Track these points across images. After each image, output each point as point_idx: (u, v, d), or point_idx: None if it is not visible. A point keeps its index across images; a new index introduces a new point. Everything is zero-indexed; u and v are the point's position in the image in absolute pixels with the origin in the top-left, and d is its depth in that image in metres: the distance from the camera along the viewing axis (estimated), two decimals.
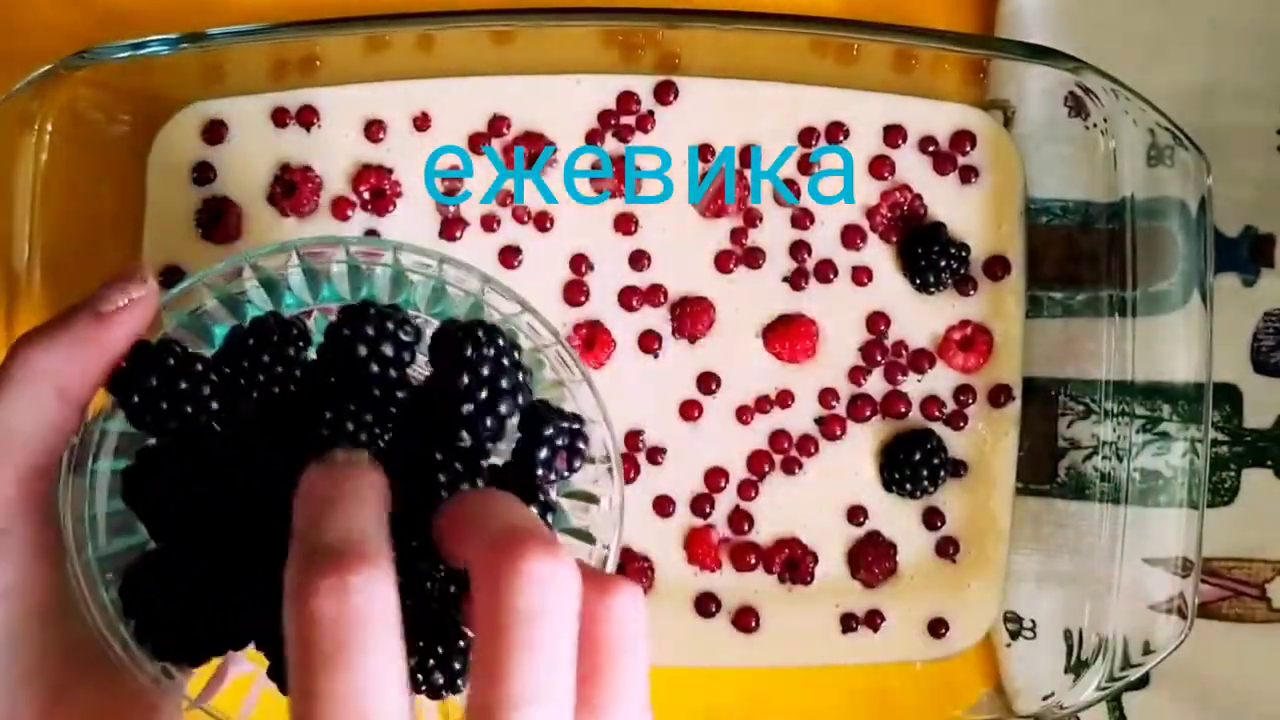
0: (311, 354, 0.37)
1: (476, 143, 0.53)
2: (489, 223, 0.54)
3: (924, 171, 0.54)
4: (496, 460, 0.37)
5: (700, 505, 0.54)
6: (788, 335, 0.53)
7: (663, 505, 0.54)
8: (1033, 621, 0.54)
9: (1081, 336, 0.53)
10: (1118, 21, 0.53)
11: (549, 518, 0.36)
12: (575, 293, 0.53)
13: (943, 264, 0.53)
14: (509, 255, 0.53)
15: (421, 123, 0.53)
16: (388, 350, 0.35)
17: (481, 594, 0.27)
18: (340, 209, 0.53)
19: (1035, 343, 0.54)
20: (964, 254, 0.53)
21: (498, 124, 0.53)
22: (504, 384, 0.35)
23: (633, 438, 0.54)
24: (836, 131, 0.53)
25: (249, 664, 0.38)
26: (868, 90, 0.53)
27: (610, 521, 0.39)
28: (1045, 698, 0.53)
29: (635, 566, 0.53)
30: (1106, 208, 0.52)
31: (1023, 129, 0.53)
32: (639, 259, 0.53)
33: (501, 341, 0.35)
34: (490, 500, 0.31)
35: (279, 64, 0.53)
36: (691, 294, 0.53)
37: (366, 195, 0.53)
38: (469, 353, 0.34)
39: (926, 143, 0.53)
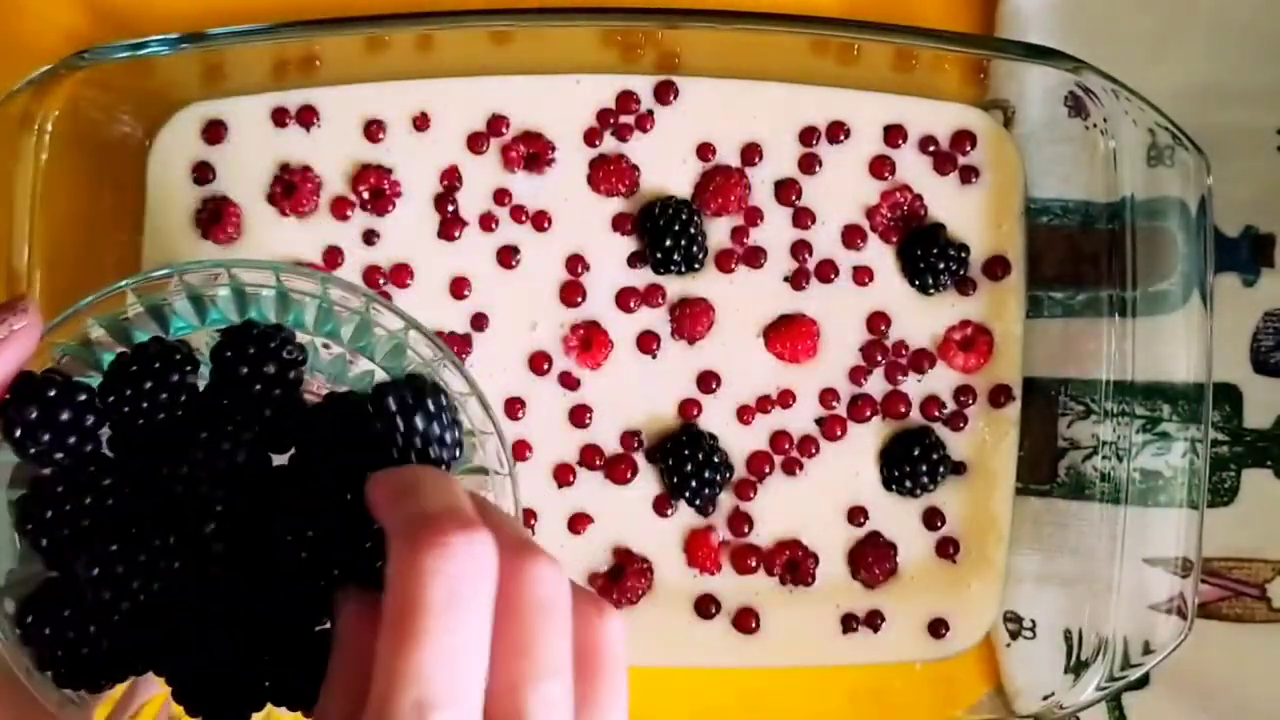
0: (203, 376, 0.37)
1: (476, 142, 0.53)
2: (487, 222, 0.54)
3: (924, 171, 0.54)
4: None
5: (701, 506, 0.54)
6: (789, 335, 0.53)
7: (662, 505, 0.54)
8: (1033, 621, 0.54)
9: (1081, 336, 0.53)
10: (1118, 21, 0.53)
11: None
12: (572, 293, 0.53)
13: (943, 264, 0.53)
14: (507, 255, 0.53)
15: (421, 122, 0.53)
16: (270, 369, 0.36)
17: (399, 564, 0.29)
18: (340, 209, 0.53)
19: (1035, 343, 0.54)
20: (964, 254, 0.53)
21: (497, 123, 0.53)
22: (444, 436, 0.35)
23: (629, 438, 0.54)
24: (837, 131, 0.53)
25: (158, 686, 0.38)
26: (868, 90, 0.53)
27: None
28: (1045, 698, 0.53)
29: (635, 568, 0.53)
30: (1106, 208, 0.52)
31: (1023, 129, 0.53)
32: (635, 260, 0.54)
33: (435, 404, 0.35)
34: (423, 476, 0.32)
35: (279, 64, 0.53)
36: (691, 294, 0.53)
37: (366, 195, 0.53)
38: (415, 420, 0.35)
39: (927, 142, 0.53)
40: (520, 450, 0.54)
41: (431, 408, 0.35)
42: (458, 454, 0.36)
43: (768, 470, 0.53)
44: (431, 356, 0.41)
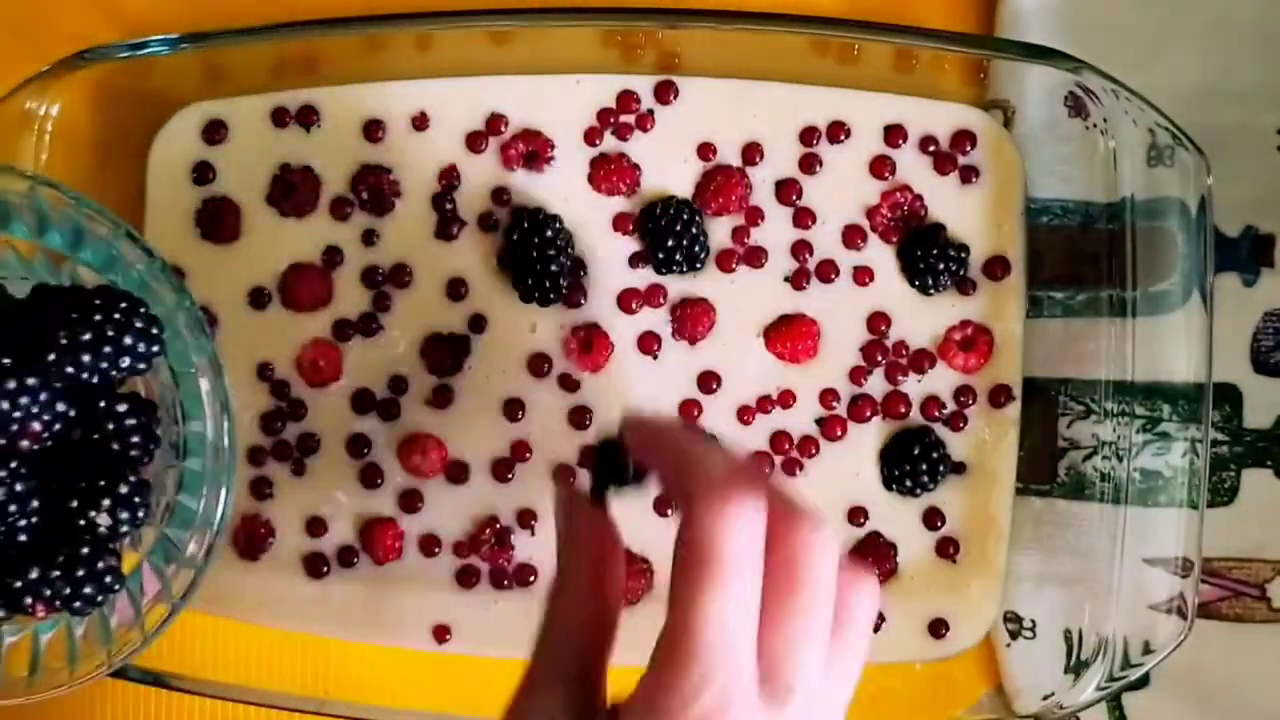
0: None
1: (475, 141, 0.53)
2: (487, 221, 0.54)
3: (924, 171, 0.53)
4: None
5: None
6: (789, 335, 0.53)
7: (661, 505, 0.54)
8: (1033, 621, 0.54)
9: (1081, 336, 0.53)
10: (1118, 21, 0.53)
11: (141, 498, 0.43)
12: (573, 294, 0.53)
13: (943, 264, 0.53)
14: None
15: (420, 122, 0.53)
16: None
17: (700, 519, 0.34)
18: (339, 209, 0.54)
19: (1035, 343, 0.54)
20: (964, 254, 0.53)
21: (495, 122, 0.53)
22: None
23: None
24: (838, 131, 0.53)
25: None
26: (868, 90, 0.53)
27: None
28: (1045, 698, 0.53)
29: (635, 568, 0.53)
30: (1106, 208, 0.52)
31: (1023, 129, 0.53)
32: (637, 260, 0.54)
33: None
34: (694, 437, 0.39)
35: (279, 64, 0.53)
36: (692, 294, 0.53)
37: (365, 195, 0.53)
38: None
39: (927, 142, 0.53)
40: (520, 451, 0.54)
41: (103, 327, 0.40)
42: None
43: (768, 470, 0.53)
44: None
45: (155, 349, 0.42)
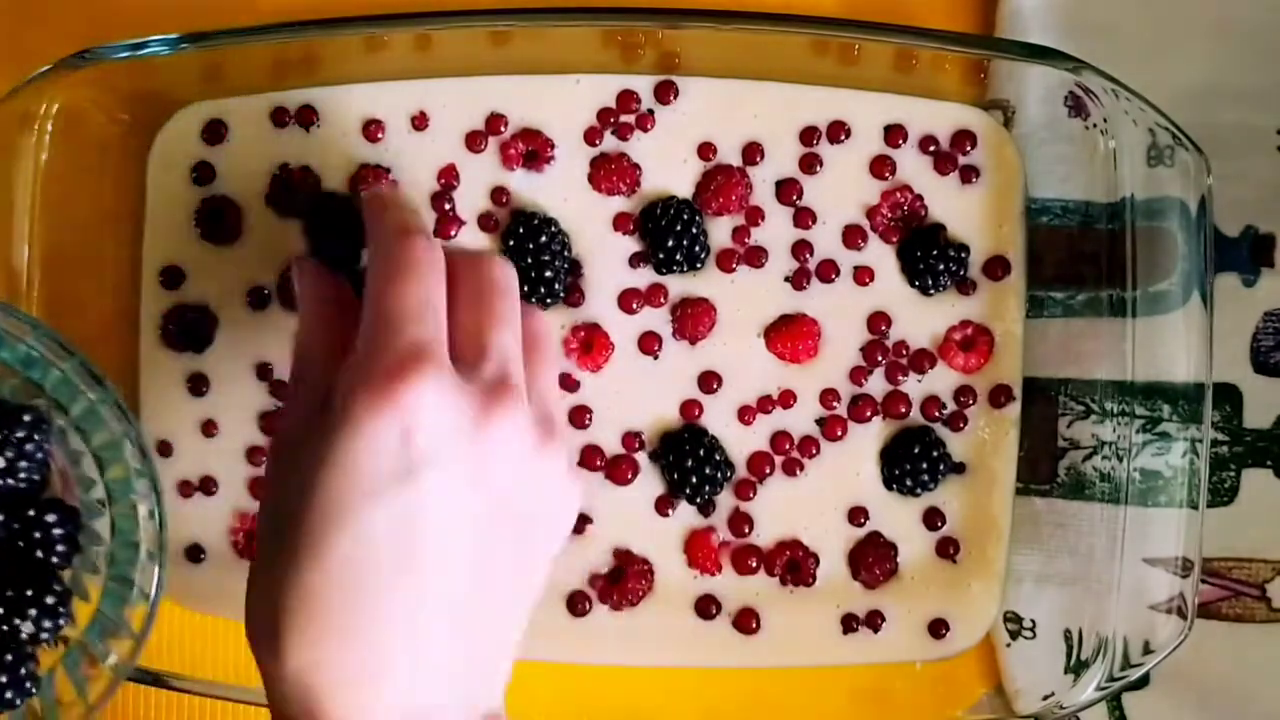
0: None
1: (474, 141, 0.53)
2: (486, 221, 0.54)
3: (925, 171, 0.53)
4: None
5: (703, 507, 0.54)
6: (790, 335, 0.53)
7: (663, 506, 0.54)
8: (1033, 621, 0.54)
9: (1081, 336, 0.53)
10: (1118, 21, 0.53)
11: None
12: (571, 295, 0.53)
13: (943, 265, 0.53)
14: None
15: (420, 122, 0.53)
16: None
17: (388, 238, 0.42)
18: None
19: (1035, 343, 0.54)
20: (964, 254, 0.53)
21: (495, 122, 0.53)
22: None
23: (630, 438, 0.54)
24: (838, 130, 0.53)
25: None
26: (868, 90, 0.53)
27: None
28: (1045, 698, 0.53)
29: (636, 569, 0.53)
30: (1106, 208, 0.52)
31: (1023, 129, 0.53)
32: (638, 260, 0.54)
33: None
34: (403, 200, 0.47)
35: (278, 64, 0.53)
36: (692, 294, 0.53)
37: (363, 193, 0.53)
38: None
39: (927, 142, 0.53)
40: None
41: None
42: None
43: (768, 471, 0.53)
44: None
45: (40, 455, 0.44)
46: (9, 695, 0.43)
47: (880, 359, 0.53)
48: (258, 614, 0.37)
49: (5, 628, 0.43)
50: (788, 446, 0.54)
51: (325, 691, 0.36)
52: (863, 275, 0.53)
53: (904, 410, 0.54)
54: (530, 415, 0.40)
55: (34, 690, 0.44)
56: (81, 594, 0.45)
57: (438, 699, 0.38)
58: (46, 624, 0.44)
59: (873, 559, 0.53)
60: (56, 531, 0.44)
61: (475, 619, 0.39)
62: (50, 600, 0.44)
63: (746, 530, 0.54)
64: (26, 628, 0.43)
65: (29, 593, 0.43)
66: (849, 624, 0.54)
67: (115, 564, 0.45)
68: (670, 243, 0.52)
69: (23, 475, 0.43)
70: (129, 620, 0.45)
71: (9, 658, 0.43)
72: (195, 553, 0.54)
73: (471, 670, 0.39)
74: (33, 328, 0.45)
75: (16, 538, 0.44)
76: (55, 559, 0.45)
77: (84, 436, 0.45)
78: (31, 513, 0.44)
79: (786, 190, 0.53)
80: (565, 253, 0.53)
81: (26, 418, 0.43)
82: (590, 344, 0.53)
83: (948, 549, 0.54)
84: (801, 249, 0.53)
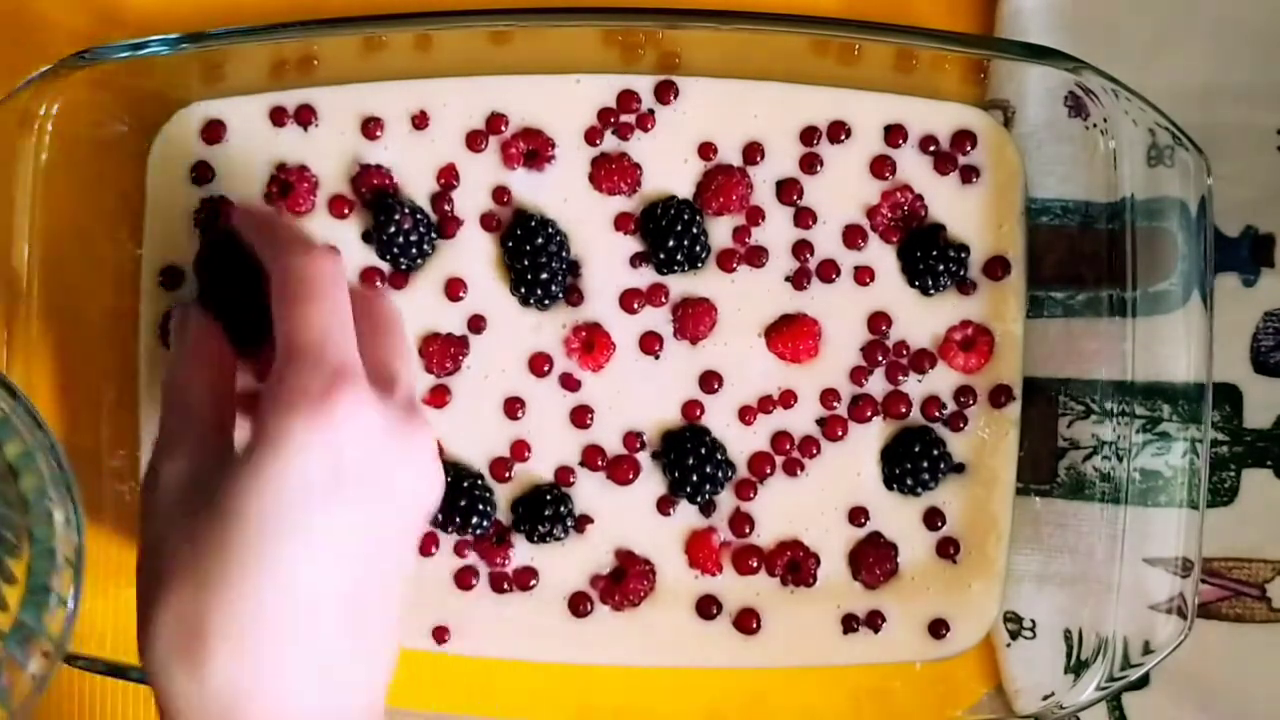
0: None
1: (474, 140, 0.53)
2: (487, 221, 0.54)
3: (925, 171, 0.53)
4: None
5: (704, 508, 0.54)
6: (790, 335, 0.53)
7: (664, 506, 0.54)
8: (1033, 621, 0.54)
9: (1081, 336, 0.53)
10: (1118, 21, 0.53)
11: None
12: (571, 295, 0.53)
13: (943, 265, 0.53)
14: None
15: (420, 121, 0.53)
16: None
17: (290, 260, 0.42)
18: (338, 208, 0.53)
19: (1035, 343, 0.54)
20: (964, 254, 0.53)
21: (496, 121, 0.53)
22: None
23: (631, 438, 0.54)
24: (838, 130, 0.53)
25: None
26: (869, 90, 0.53)
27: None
28: (1045, 698, 0.53)
29: (637, 570, 0.53)
30: (1106, 208, 0.52)
31: (1023, 129, 0.53)
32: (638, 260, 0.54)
33: None
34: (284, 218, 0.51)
35: (277, 63, 0.53)
36: (693, 294, 0.53)
37: (365, 193, 0.53)
38: None
39: (927, 142, 0.53)
40: (520, 451, 0.54)
41: None
42: None
43: (769, 471, 0.53)
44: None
45: None
46: None
47: (880, 359, 0.54)
48: (174, 636, 0.37)
49: None
50: (788, 446, 0.54)
51: (252, 704, 0.37)
52: (863, 275, 0.53)
53: (904, 410, 0.54)
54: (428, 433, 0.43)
55: None
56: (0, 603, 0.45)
57: (351, 700, 0.40)
58: None
59: (873, 559, 0.53)
60: None
61: (372, 621, 0.41)
62: None
63: (747, 530, 0.54)
64: None
65: None
66: (849, 624, 0.54)
67: (33, 573, 0.45)
68: (671, 243, 0.52)
69: None
70: (48, 627, 0.45)
71: None
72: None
73: (371, 674, 0.41)
74: None
75: None
76: None
77: None
78: None
79: (787, 190, 0.53)
80: (564, 253, 0.53)
81: None
82: (591, 344, 0.53)
83: (948, 549, 0.54)
84: (802, 249, 0.53)
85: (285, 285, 0.41)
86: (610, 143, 0.53)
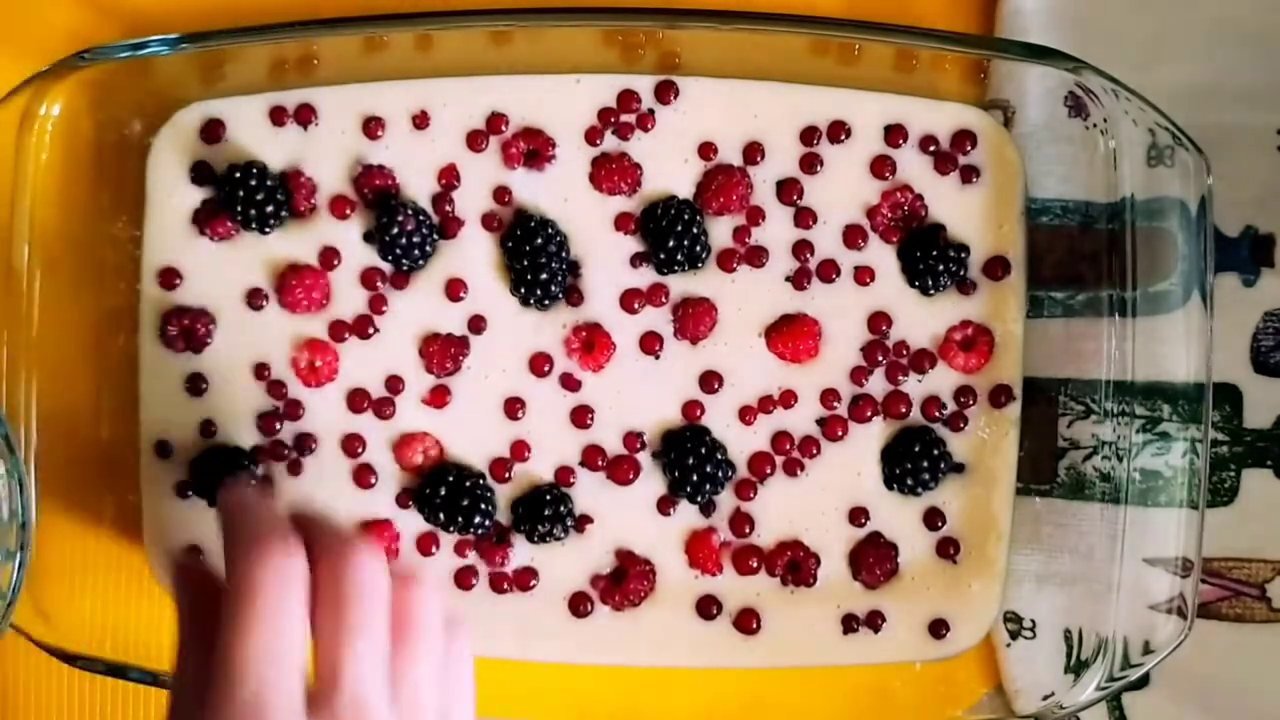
0: None
1: (475, 140, 0.53)
2: (488, 221, 0.54)
3: (925, 171, 0.53)
4: None
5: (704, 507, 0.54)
6: (790, 335, 0.53)
7: (664, 506, 0.54)
8: (1033, 621, 0.54)
9: (1081, 336, 0.53)
10: (1118, 21, 0.53)
11: None
12: (571, 295, 0.53)
13: (943, 265, 0.53)
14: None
15: (420, 120, 0.53)
16: None
17: (233, 574, 0.39)
18: (338, 207, 0.53)
19: (1035, 343, 0.54)
20: (964, 254, 0.53)
21: (496, 121, 0.53)
22: None
23: (631, 438, 0.54)
24: (838, 130, 0.53)
25: None
26: (869, 90, 0.53)
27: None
28: (1045, 698, 0.53)
29: (638, 570, 0.53)
30: (1106, 208, 0.52)
31: (1023, 129, 0.53)
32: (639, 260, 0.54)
33: None
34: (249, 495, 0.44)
35: (277, 63, 0.53)
36: (693, 294, 0.53)
37: (368, 194, 0.53)
38: None
39: (927, 142, 0.53)
40: (520, 451, 0.54)
41: None
42: None
43: (769, 471, 0.53)
44: None
45: None
46: None
47: (880, 359, 0.53)
48: None
49: None
50: (788, 446, 0.54)
51: None
52: (863, 275, 0.53)
53: (904, 410, 0.54)
54: None
55: None
56: None
57: None
58: None
59: (873, 559, 0.53)
60: None
61: None
62: None
63: (747, 530, 0.54)
64: None
65: None
66: (849, 624, 0.54)
67: None
68: (671, 242, 0.52)
69: None
70: None
71: None
72: (193, 553, 0.54)
73: None
74: None
75: None
76: None
77: None
78: None
79: (787, 190, 0.53)
80: (565, 253, 0.53)
81: None
82: (592, 344, 0.53)
83: (948, 549, 0.54)
84: (802, 249, 0.53)
85: (230, 595, 0.38)
86: (610, 143, 0.53)
